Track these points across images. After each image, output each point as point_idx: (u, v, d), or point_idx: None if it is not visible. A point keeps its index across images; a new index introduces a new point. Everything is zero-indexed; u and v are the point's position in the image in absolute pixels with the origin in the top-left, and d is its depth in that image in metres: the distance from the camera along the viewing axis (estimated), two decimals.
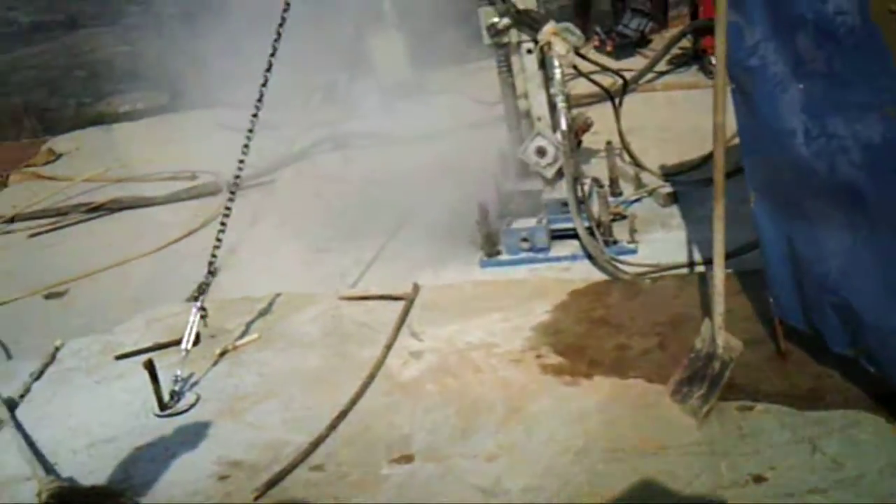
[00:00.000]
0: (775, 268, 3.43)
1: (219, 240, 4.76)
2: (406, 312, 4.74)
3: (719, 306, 3.48)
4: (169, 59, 9.26)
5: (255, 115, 4.97)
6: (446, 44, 8.79)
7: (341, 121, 8.58)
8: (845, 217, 2.95)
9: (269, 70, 5.01)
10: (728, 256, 3.65)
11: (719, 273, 3.46)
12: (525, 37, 5.42)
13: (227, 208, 4.76)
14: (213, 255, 4.62)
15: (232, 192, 4.95)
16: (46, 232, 7.37)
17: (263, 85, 5.04)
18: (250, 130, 4.96)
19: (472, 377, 4.07)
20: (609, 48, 9.18)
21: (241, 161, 5.01)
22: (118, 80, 11.10)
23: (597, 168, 6.33)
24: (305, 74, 9.03)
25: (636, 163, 6.41)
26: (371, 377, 4.17)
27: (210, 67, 8.41)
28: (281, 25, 5.03)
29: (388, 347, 4.42)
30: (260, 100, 4.99)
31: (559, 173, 5.48)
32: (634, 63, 8.45)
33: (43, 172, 8.73)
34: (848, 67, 2.75)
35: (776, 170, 3.19)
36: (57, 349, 4.98)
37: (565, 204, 5.39)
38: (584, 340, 4.19)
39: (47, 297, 6.14)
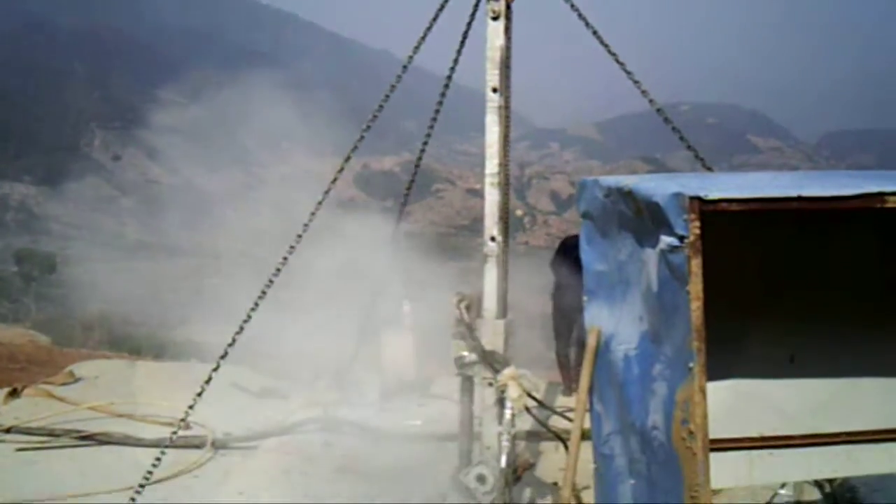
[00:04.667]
0: None
1: None
2: None
3: None
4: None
5: None
6: None
7: (339, 405, 9.09)
8: None
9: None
10: None
11: None
12: (488, 373, 5.98)
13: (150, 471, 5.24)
14: None
15: None
16: (34, 449, 7.84)
17: None
18: None
19: None
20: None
21: None
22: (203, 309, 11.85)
23: None
24: (317, 353, 9.74)
25: None
26: None
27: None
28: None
29: None
30: None
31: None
32: None
33: (55, 392, 9.32)
34: (658, 476, 3.20)
35: None
36: None
37: None
38: None
39: None
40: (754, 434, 3.97)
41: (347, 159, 6.54)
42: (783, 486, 6.94)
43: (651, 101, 6.22)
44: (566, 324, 10.08)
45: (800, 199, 3.03)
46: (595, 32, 6.25)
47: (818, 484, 6.97)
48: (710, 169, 6.52)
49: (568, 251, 9.66)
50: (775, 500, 6.86)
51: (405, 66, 6.47)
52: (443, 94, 6.82)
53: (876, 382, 4.33)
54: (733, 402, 3.87)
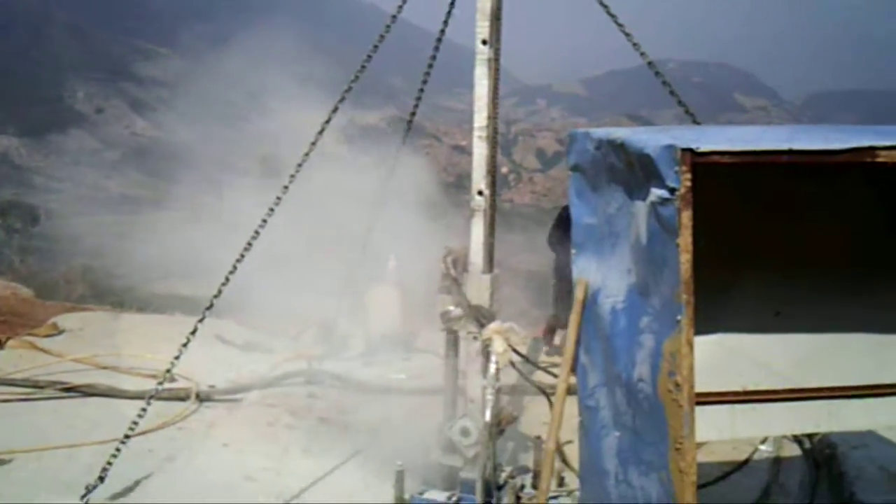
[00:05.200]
0: None
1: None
2: None
3: None
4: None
5: None
6: None
7: (323, 359, 9.12)
8: None
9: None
10: None
11: None
12: (473, 328, 5.98)
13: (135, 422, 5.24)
14: (109, 463, 5.05)
15: None
16: (19, 401, 7.83)
17: None
18: None
19: None
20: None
21: None
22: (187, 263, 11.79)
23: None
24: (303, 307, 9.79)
25: (563, 460, 6.77)
26: None
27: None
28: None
29: None
30: None
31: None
32: None
33: (39, 344, 9.29)
34: (643, 428, 3.22)
35: (599, 500, 3.60)
36: None
37: None
38: None
39: None
40: (738, 388, 4.00)
41: (335, 110, 6.47)
42: (763, 441, 7.03)
43: (642, 53, 6.16)
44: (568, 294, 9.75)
45: (791, 152, 3.02)
46: None
47: (798, 440, 7.06)
48: (698, 124, 6.50)
49: (567, 223, 9.30)
50: (756, 456, 6.94)
51: (394, 17, 6.38)
52: (436, 48, 6.75)
53: (858, 338, 4.36)
54: (718, 357, 3.89)
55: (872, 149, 3.06)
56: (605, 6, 6.12)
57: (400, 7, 6.41)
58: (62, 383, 8.14)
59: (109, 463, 5.46)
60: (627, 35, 6.19)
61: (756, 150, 3.04)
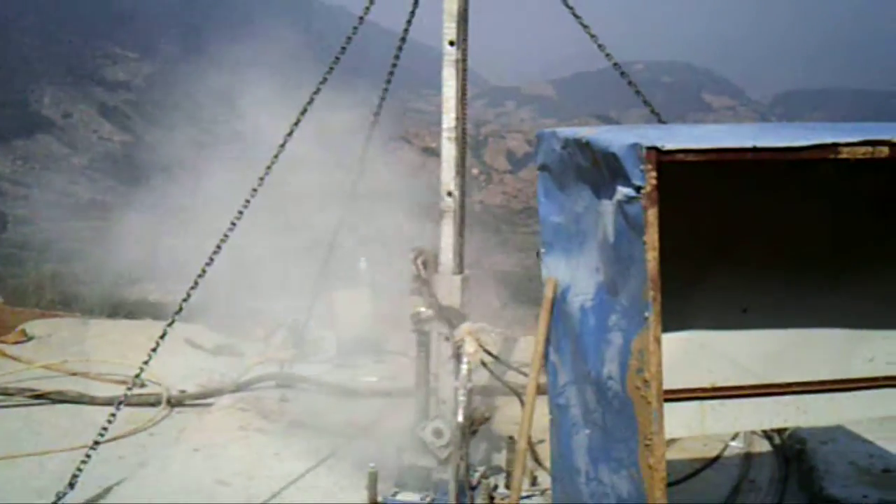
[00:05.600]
0: None
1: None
2: None
3: None
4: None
5: None
6: None
7: (294, 362, 9.09)
8: None
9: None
10: None
11: None
12: (444, 329, 6.00)
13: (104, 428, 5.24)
14: (79, 469, 5.04)
15: None
16: None
17: None
18: None
19: None
20: None
21: None
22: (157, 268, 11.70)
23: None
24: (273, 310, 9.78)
25: (536, 459, 6.80)
26: None
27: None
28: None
29: None
30: None
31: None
32: None
33: (8, 351, 9.19)
34: (613, 425, 3.24)
35: (571, 499, 3.62)
36: None
37: None
38: None
39: None
40: (707, 384, 4.03)
41: (303, 112, 6.47)
42: (734, 437, 7.09)
43: (608, 54, 6.22)
44: None
45: (755, 149, 3.06)
46: None
47: (768, 436, 7.13)
48: (664, 123, 6.56)
49: None
50: (726, 452, 7.01)
51: (361, 18, 6.39)
52: (399, 48, 6.77)
53: (827, 333, 4.41)
54: (686, 353, 3.92)
55: (835, 145, 3.10)
56: (571, 8, 6.16)
57: (367, 9, 6.41)
58: (31, 390, 8.07)
59: (80, 469, 5.43)
60: (593, 36, 6.23)
61: (721, 148, 3.07)
